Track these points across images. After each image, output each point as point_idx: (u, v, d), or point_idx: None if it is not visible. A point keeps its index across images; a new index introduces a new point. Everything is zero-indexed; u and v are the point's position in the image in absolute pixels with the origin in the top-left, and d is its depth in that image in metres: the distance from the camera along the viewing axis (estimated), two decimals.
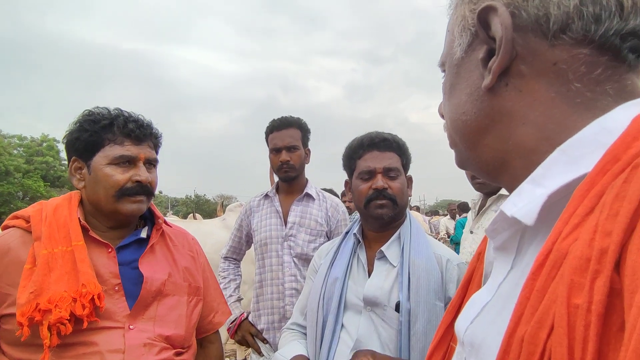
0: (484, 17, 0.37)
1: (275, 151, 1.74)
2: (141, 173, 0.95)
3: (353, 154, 1.18)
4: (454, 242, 5.49)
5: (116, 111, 1.00)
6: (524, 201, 0.34)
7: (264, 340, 1.68)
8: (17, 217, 0.97)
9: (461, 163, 0.46)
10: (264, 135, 1.81)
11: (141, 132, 0.97)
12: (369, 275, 1.11)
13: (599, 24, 0.33)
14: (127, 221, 1.00)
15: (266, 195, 1.83)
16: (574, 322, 0.24)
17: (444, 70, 0.46)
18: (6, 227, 0.96)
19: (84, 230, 0.93)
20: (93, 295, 0.84)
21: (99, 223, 0.98)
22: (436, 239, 5.48)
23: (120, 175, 0.94)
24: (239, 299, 1.83)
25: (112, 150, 0.94)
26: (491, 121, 0.39)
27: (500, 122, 0.38)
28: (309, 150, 1.81)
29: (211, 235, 3.78)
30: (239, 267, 1.93)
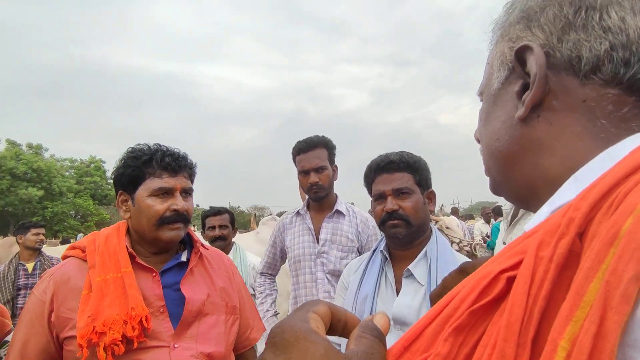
0: (521, 55, 0.40)
1: (303, 173, 1.78)
2: (178, 202, 1.05)
3: (367, 179, 1.24)
4: (491, 248, 5.29)
5: (155, 146, 1.10)
6: (540, 217, 0.37)
7: None
8: (74, 248, 1.09)
9: (495, 189, 0.49)
10: (292, 157, 1.86)
11: (177, 165, 1.07)
12: (397, 293, 1.13)
13: (628, 67, 0.36)
14: (168, 247, 1.09)
15: (298, 213, 1.88)
16: (536, 267, 0.28)
17: (482, 99, 0.49)
18: (65, 257, 1.08)
19: (131, 257, 1.03)
20: (141, 318, 0.93)
21: (144, 249, 1.08)
22: (472, 244, 5.29)
23: (159, 206, 1.03)
24: (276, 314, 1.89)
25: (152, 183, 1.04)
26: (522, 149, 0.41)
27: (530, 150, 0.41)
28: (336, 167, 1.85)
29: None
30: (275, 282, 1.99)
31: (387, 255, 1.21)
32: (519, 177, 0.42)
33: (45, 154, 32.12)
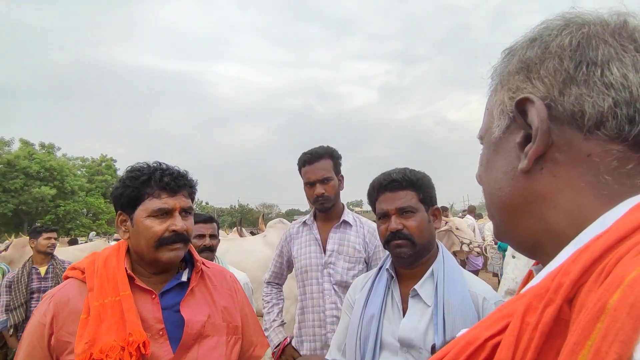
0: (522, 106, 0.39)
1: (309, 185, 1.76)
2: (177, 222, 1.02)
3: (371, 197, 1.22)
4: (503, 249, 5.22)
5: (155, 165, 1.08)
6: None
7: None
8: (74, 269, 1.07)
9: (498, 236, 0.48)
10: (297, 168, 1.84)
11: (176, 184, 1.04)
12: (404, 313, 1.10)
13: (632, 125, 0.35)
14: (168, 267, 1.07)
15: (304, 223, 1.86)
16: (522, 334, 0.29)
17: (482, 143, 0.48)
18: (67, 277, 1.07)
19: (130, 279, 1.01)
20: (139, 344, 0.91)
21: (144, 270, 1.06)
22: (482, 245, 5.19)
23: (158, 227, 1.01)
24: (282, 324, 1.86)
25: (151, 204, 1.02)
26: (525, 201, 0.40)
27: (533, 202, 0.40)
28: (342, 176, 1.82)
29: (254, 253, 3.89)
30: (281, 291, 1.98)
31: (392, 274, 1.18)
32: (523, 229, 0.42)
33: (58, 153, 32.67)
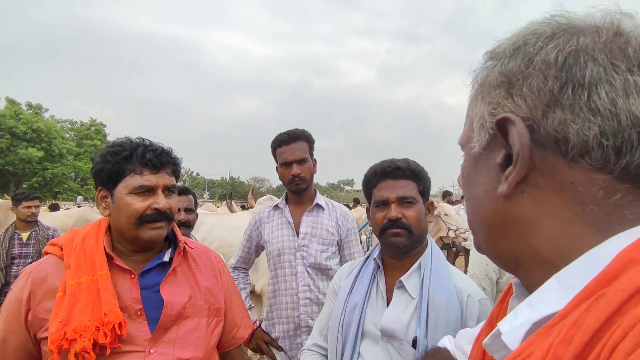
0: (502, 125, 0.37)
1: (285, 165, 1.75)
2: (159, 201, 0.98)
3: (368, 183, 1.18)
4: None
5: (138, 140, 1.03)
6: (519, 322, 0.34)
7: (279, 348, 1.72)
8: (54, 245, 1.03)
9: (479, 249, 0.46)
10: (271, 149, 1.82)
11: (159, 161, 0.99)
12: (387, 304, 1.10)
13: (619, 156, 0.32)
14: (150, 246, 1.03)
15: (276, 207, 1.85)
16: None
17: (462, 150, 0.46)
18: (46, 253, 1.03)
19: (109, 258, 0.98)
20: (114, 325, 0.88)
21: (124, 248, 1.03)
22: (469, 231, 5.28)
23: (139, 204, 0.97)
24: (250, 308, 1.88)
25: (132, 180, 0.97)
26: (506, 223, 0.39)
27: (514, 225, 0.38)
28: (315, 160, 1.82)
29: (241, 229, 3.86)
30: (248, 275, 1.99)
31: (380, 264, 1.16)
32: (504, 249, 0.40)
33: (45, 114, 31.84)
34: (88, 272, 0.93)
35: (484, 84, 0.40)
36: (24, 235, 3.20)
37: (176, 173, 1.07)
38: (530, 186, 0.36)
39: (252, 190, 8.40)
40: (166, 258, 1.06)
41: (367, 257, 1.22)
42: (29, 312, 0.93)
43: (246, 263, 1.95)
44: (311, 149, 1.80)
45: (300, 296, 1.67)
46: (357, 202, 11.69)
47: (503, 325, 0.36)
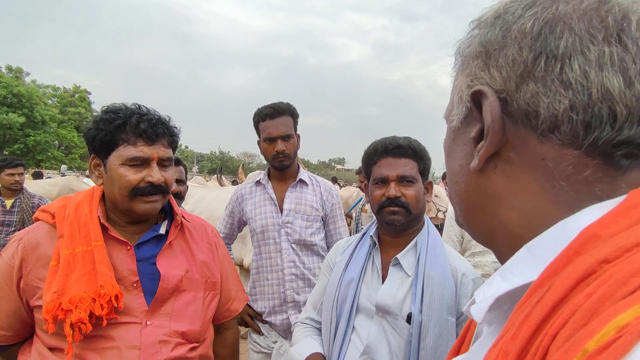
0: (477, 98, 0.36)
1: (269, 140, 1.69)
2: (154, 174, 0.94)
3: (369, 160, 1.17)
4: None
5: (133, 107, 0.98)
6: (491, 292, 0.35)
7: (263, 321, 1.73)
8: (45, 211, 0.99)
9: (458, 222, 0.46)
10: (254, 123, 1.77)
11: (154, 132, 0.95)
12: (383, 280, 1.11)
13: (588, 131, 0.31)
14: (143, 219, 1.01)
15: (258, 182, 1.81)
16: None
17: (447, 123, 0.45)
18: (37, 219, 1.00)
19: (104, 228, 0.95)
20: (111, 296, 0.87)
21: (118, 219, 1.00)
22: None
23: (132, 176, 0.93)
24: None
25: (126, 151, 0.93)
26: (479, 198, 0.39)
27: (487, 200, 0.38)
28: (299, 135, 1.78)
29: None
30: (231, 250, 1.98)
31: (376, 241, 1.17)
32: (479, 223, 0.41)
33: (26, 78, 30.54)
34: (82, 242, 0.91)
35: (465, 54, 0.39)
36: (8, 203, 3.11)
37: (173, 144, 1.03)
38: (502, 161, 0.36)
39: (243, 165, 8.32)
40: (162, 231, 1.04)
41: (364, 234, 1.22)
42: (21, 280, 0.91)
43: (228, 238, 1.94)
44: (295, 124, 1.75)
45: (285, 272, 1.67)
46: (334, 180, 11.59)
47: (478, 294, 0.37)
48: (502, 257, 0.38)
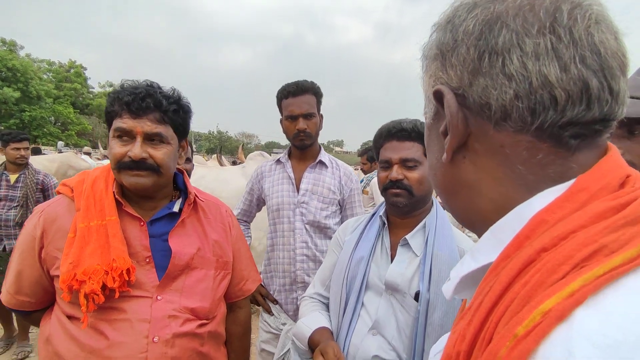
0: (439, 96, 0.39)
1: (291, 118, 1.67)
2: (134, 149, 0.92)
3: (376, 144, 1.20)
4: None
5: (134, 83, 0.98)
6: (462, 270, 0.39)
7: (274, 301, 1.74)
8: (65, 185, 1.02)
9: (445, 209, 0.50)
10: (277, 100, 1.74)
11: (139, 105, 0.93)
12: (392, 260, 1.13)
13: (534, 116, 0.34)
14: (140, 193, 0.99)
15: (278, 161, 1.81)
16: None
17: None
18: (59, 193, 1.02)
19: (119, 204, 0.96)
20: (122, 270, 0.89)
21: (133, 195, 1.01)
22: None
23: (118, 149, 0.93)
24: None
25: (115, 124, 0.95)
26: (455, 187, 0.42)
27: (462, 190, 0.41)
28: (321, 115, 1.75)
29: (229, 183, 3.88)
30: (249, 228, 1.98)
31: (385, 221, 1.19)
32: (459, 210, 0.44)
33: (21, 52, 29.87)
34: (97, 216, 0.93)
35: (427, 57, 0.42)
36: (12, 178, 3.04)
37: (172, 122, 0.99)
38: (470, 152, 0.39)
39: (243, 145, 8.28)
40: (175, 209, 1.04)
41: (373, 214, 1.23)
42: (42, 250, 0.95)
43: (247, 216, 1.93)
44: (319, 103, 1.71)
45: (297, 252, 1.67)
46: None
47: (452, 273, 0.41)
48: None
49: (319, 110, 1.72)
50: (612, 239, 0.29)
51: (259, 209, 1.94)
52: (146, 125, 0.94)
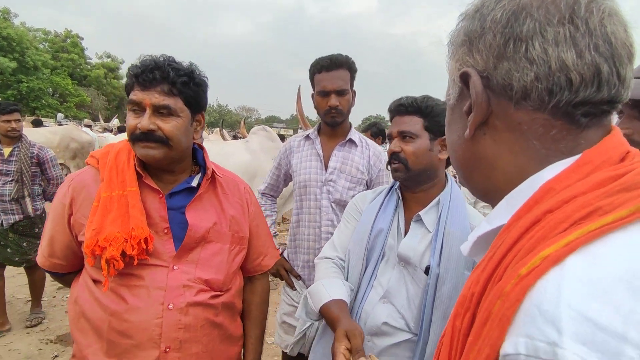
0: (465, 78, 0.44)
1: (323, 94, 1.62)
2: (142, 120, 0.94)
3: (390, 119, 1.23)
4: None
5: (148, 56, 0.99)
6: (478, 233, 0.45)
7: (297, 277, 1.75)
8: (92, 157, 1.06)
9: (461, 183, 0.54)
10: (309, 73, 1.68)
11: (147, 78, 0.94)
12: (405, 234, 1.16)
13: (551, 95, 0.39)
14: (153, 165, 1.01)
15: (307, 137, 1.78)
16: (454, 335, 0.39)
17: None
18: (87, 164, 1.07)
19: (140, 176, 0.99)
20: (141, 239, 0.92)
21: (152, 166, 1.03)
22: None
23: (130, 121, 0.96)
24: (275, 235, 1.89)
25: (129, 96, 0.97)
26: (474, 161, 0.47)
27: (481, 163, 0.46)
28: (354, 91, 1.70)
29: (232, 156, 3.89)
30: (275, 203, 1.97)
31: (399, 195, 1.22)
32: (476, 184, 0.49)
33: (15, 20, 29.06)
34: (119, 187, 0.96)
35: (454, 43, 0.47)
36: (6, 151, 2.90)
37: (181, 94, 0.98)
38: (490, 129, 0.44)
39: (244, 120, 8.22)
40: (194, 183, 1.06)
41: (391, 187, 1.25)
42: (71, 216, 1.00)
43: (274, 190, 1.92)
44: (352, 78, 1.66)
45: (322, 230, 1.66)
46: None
47: (469, 236, 0.46)
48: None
49: (352, 86, 1.67)
50: (607, 202, 0.34)
51: (285, 184, 1.92)
52: (154, 97, 0.94)
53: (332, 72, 1.61)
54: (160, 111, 0.95)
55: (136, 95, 0.94)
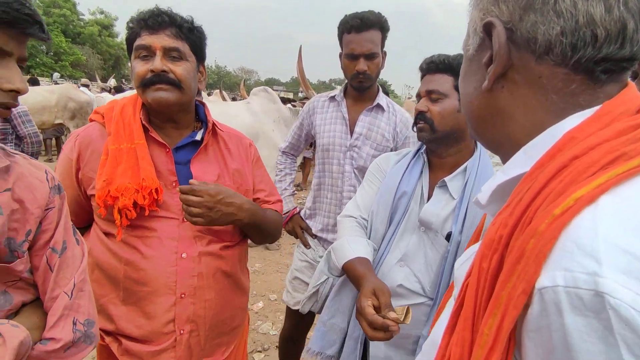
0: (488, 28, 0.43)
1: (351, 57, 1.53)
2: (155, 62, 0.95)
3: (420, 77, 1.17)
4: None
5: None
6: (494, 182, 0.46)
7: (313, 236, 1.74)
8: (97, 113, 1.07)
9: (472, 135, 0.56)
10: (338, 32, 1.57)
11: (155, 21, 0.95)
12: (428, 199, 1.13)
13: (575, 51, 0.39)
14: (164, 113, 1.02)
15: (332, 98, 1.70)
16: (481, 276, 0.39)
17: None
18: (92, 120, 1.08)
19: (146, 130, 1.01)
20: (151, 189, 0.95)
21: (158, 120, 1.04)
22: None
23: (140, 67, 0.96)
24: (293, 194, 1.88)
25: (136, 43, 0.97)
26: (489, 114, 0.47)
27: (496, 116, 0.46)
28: (385, 53, 1.60)
29: (235, 118, 3.88)
30: (295, 162, 1.95)
31: (425, 159, 1.18)
32: (489, 136, 0.49)
33: None
34: (127, 140, 0.98)
35: None
36: None
37: (188, 39, 1.00)
38: (508, 82, 0.44)
39: (244, 81, 8.07)
40: (198, 137, 1.08)
41: (417, 151, 1.22)
42: (79, 171, 1.01)
43: (295, 150, 1.89)
44: (384, 39, 1.55)
45: (344, 195, 1.63)
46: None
47: (485, 186, 0.47)
48: (506, 161, 0.48)
49: (382, 47, 1.57)
50: (631, 148, 0.36)
51: (307, 144, 1.88)
52: (164, 39, 0.96)
53: (363, 34, 1.49)
54: (171, 54, 0.96)
55: (144, 39, 0.95)
